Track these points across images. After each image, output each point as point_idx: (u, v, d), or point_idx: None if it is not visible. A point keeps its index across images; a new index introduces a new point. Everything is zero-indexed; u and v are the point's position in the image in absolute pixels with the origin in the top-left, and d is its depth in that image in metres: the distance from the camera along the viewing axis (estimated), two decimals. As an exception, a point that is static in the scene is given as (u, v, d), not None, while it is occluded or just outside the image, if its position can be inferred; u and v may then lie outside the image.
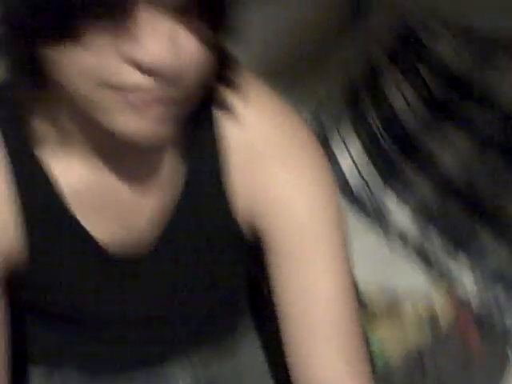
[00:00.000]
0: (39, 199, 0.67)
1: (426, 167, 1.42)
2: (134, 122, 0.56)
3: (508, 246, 1.22)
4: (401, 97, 1.52)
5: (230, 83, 0.68)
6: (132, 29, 0.51)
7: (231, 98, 0.69)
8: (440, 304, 1.14)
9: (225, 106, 0.69)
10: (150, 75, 0.53)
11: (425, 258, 1.35)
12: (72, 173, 0.68)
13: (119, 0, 0.50)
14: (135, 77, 0.53)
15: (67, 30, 0.51)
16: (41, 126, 0.66)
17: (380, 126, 1.51)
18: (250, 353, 0.91)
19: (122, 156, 0.68)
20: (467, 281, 1.24)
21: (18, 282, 0.71)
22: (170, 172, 0.71)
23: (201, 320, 0.84)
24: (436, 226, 1.34)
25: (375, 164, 1.49)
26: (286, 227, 0.70)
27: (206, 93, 0.64)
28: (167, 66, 0.52)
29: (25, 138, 0.66)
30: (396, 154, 1.46)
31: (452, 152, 1.43)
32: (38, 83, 0.59)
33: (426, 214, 1.37)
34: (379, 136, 1.50)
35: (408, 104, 1.50)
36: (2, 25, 0.55)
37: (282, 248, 0.71)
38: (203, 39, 0.56)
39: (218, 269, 0.78)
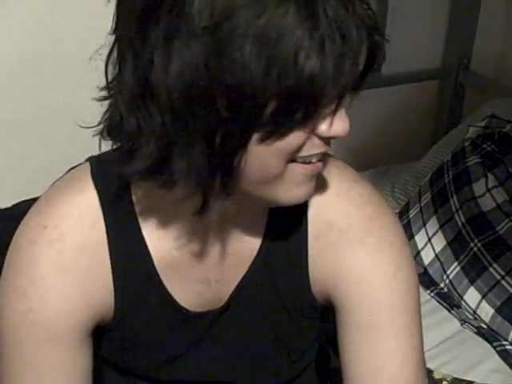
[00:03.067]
0: (135, 265, 0.73)
1: None
2: (303, 190, 0.66)
3: None
4: (490, 197, 1.52)
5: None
6: (325, 114, 0.61)
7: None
8: None
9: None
10: (326, 142, 0.64)
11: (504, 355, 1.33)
12: (165, 242, 0.73)
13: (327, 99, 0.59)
14: (318, 149, 0.64)
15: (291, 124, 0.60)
16: (141, 202, 0.72)
17: (467, 226, 1.51)
18: None
19: (212, 232, 0.73)
20: None
21: (103, 336, 0.77)
22: (252, 239, 0.76)
23: None
24: None
25: (460, 263, 1.48)
26: (361, 302, 0.74)
27: None
28: (344, 135, 0.63)
29: (130, 208, 0.72)
30: (483, 253, 1.46)
31: None
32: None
33: (509, 312, 1.35)
34: (465, 233, 1.51)
35: (498, 205, 1.51)
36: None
37: (355, 323, 0.75)
38: None
39: (287, 332, 0.81)
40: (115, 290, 0.73)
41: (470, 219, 1.52)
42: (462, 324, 1.42)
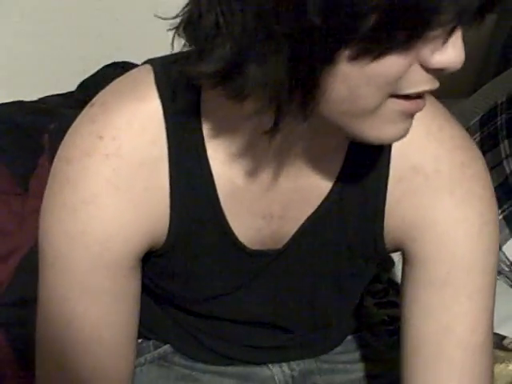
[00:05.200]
0: (196, 190, 0.66)
1: None
2: (397, 129, 0.57)
3: None
4: None
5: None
6: (435, 38, 0.51)
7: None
8: None
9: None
10: (435, 76, 0.54)
11: None
12: (231, 168, 0.66)
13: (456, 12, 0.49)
14: (424, 84, 0.54)
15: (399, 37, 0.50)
16: (210, 118, 0.64)
17: None
18: (345, 371, 0.90)
19: (283, 162, 0.66)
20: None
21: (147, 261, 0.70)
22: (326, 173, 0.69)
23: (309, 331, 0.82)
24: None
25: (503, 212, 1.39)
26: (440, 256, 0.68)
27: None
28: (455, 68, 0.53)
29: (197, 124, 0.64)
30: None
31: None
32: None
33: None
34: (511, 182, 1.41)
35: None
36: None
37: (429, 278, 0.69)
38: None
39: (344, 279, 0.76)
40: (171, 214, 0.66)
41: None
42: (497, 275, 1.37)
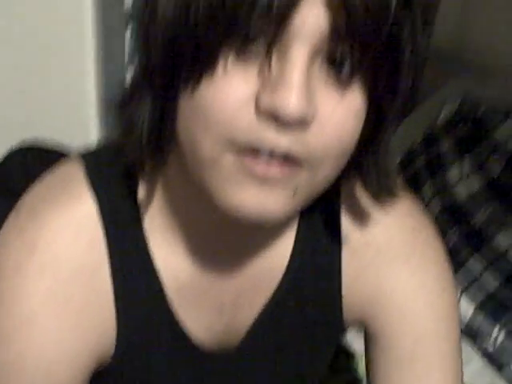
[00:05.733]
0: (142, 289, 0.60)
1: (493, 261, 1.37)
2: (249, 196, 0.48)
3: None
4: (465, 186, 1.48)
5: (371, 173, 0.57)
6: (279, 79, 0.45)
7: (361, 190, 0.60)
8: None
9: (354, 198, 0.63)
10: (284, 130, 0.45)
11: (485, 354, 1.30)
12: (176, 258, 0.61)
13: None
14: (269, 135, 0.46)
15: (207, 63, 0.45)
16: (149, 208, 0.59)
17: (444, 215, 1.46)
18: None
19: (227, 243, 0.61)
20: None
21: (103, 372, 0.63)
22: (277, 257, 0.64)
23: None
24: (502, 322, 1.29)
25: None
26: (407, 331, 0.65)
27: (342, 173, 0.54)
28: (305, 121, 0.45)
29: (135, 217, 0.59)
30: (462, 245, 1.41)
31: None
32: (161, 148, 0.51)
33: (490, 310, 1.32)
34: (440, 223, 1.45)
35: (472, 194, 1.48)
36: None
37: (396, 353, 0.65)
38: (353, 108, 0.48)
39: (307, 365, 0.71)
40: (118, 320, 0.59)
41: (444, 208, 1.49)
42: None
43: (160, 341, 0.62)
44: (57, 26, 1.08)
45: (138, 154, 0.52)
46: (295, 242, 0.63)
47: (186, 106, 0.47)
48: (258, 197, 0.48)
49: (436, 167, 1.53)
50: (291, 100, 0.44)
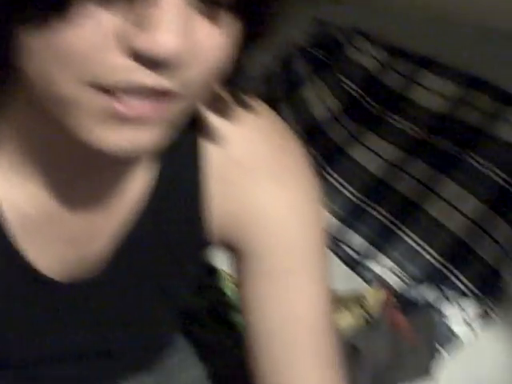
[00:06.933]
0: None
1: (349, 174, 1.44)
2: (118, 136, 0.46)
3: (431, 247, 1.31)
4: (322, 106, 1.53)
5: (233, 97, 0.58)
6: (149, 15, 0.41)
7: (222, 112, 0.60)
8: (369, 297, 1.28)
9: (212, 122, 0.61)
10: (157, 69, 0.43)
11: (348, 261, 1.39)
12: (21, 195, 0.57)
13: None
14: (140, 75, 0.43)
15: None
16: None
17: (301, 133, 1.50)
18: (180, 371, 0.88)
19: (82, 172, 0.57)
20: (391, 281, 1.30)
21: None
22: (137, 186, 0.61)
23: (140, 352, 0.76)
24: (361, 229, 1.38)
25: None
26: (276, 246, 0.65)
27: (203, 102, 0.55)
28: (176, 59, 0.42)
29: None
30: (321, 159, 1.47)
31: (375, 159, 1.46)
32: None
33: (350, 218, 1.39)
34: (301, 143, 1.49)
35: (332, 114, 1.52)
36: None
37: (266, 269, 0.66)
38: (226, 37, 0.47)
39: (175, 288, 0.70)
40: None
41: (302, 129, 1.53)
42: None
43: (6, 276, 0.59)
44: None
45: None
46: (155, 168, 0.61)
47: (35, 43, 0.43)
48: (133, 137, 0.46)
49: (293, 89, 1.58)
50: (165, 39, 0.41)
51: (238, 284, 0.68)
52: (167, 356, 0.83)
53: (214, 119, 0.61)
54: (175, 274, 0.68)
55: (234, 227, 0.65)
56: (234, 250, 0.67)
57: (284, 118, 1.49)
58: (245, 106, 0.58)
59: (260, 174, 0.64)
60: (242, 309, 0.68)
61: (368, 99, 1.55)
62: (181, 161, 0.62)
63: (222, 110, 0.60)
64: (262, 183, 0.64)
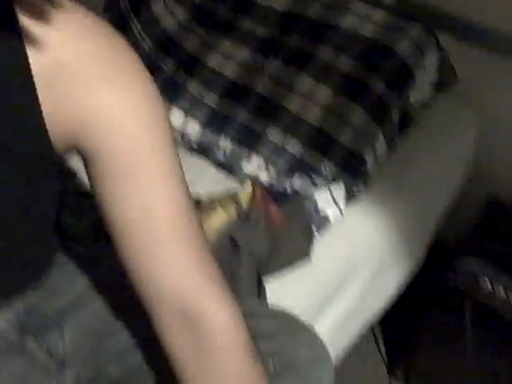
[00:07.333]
0: None
1: (210, 81, 1.44)
2: None
3: (296, 140, 1.36)
4: (171, 18, 1.52)
5: None
6: None
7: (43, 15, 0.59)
8: (242, 194, 1.28)
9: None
10: None
11: (219, 164, 1.41)
12: None
13: None
14: None
15: None
16: None
17: (154, 48, 1.49)
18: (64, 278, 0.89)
19: None
20: (262, 178, 1.35)
21: None
22: None
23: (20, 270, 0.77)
24: (227, 133, 1.40)
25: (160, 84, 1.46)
26: (118, 146, 0.65)
27: None
28: None
29: None
30: (178, 72, 1.46)
31: (232, 63, 1.47)
32: None
33: (215, 124, 1.41)
34: (154, 57, 1.48)
35: (181, 24, 1.52)
36: None
37: (115, 167, 0.66)
38: None
39: (31, 207, 0.70)
40: None
41: (155, 43, 1.52)
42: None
43: None
44: None
45: None
46: None
47: None
48: None
49: (140, 4, 1.55)
50: None
51: (93, 189, 0.68)
52: (50, 273, 0.84)
53: (30, 24, 0.59)
54: (26, 185, 0.67)
55: (73, 133, 0.65)
56: (82, 156, 0.68)
57: (135, 35, 1.50)
58: (57, 5, 0.57)
59: (89, 74, 0.63)
60: (98, 211, 0.69)
61: (216, 5, 1.55)
62: (8, 70, 0.60)
63: (37, 13, 0.59)
64: (92, 84, 0.63)
